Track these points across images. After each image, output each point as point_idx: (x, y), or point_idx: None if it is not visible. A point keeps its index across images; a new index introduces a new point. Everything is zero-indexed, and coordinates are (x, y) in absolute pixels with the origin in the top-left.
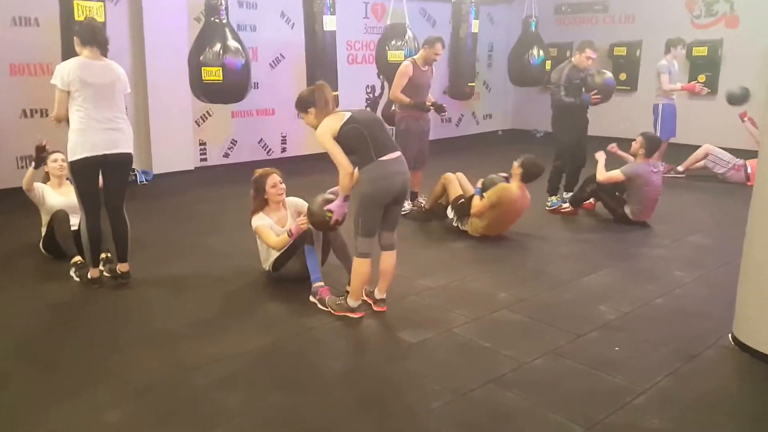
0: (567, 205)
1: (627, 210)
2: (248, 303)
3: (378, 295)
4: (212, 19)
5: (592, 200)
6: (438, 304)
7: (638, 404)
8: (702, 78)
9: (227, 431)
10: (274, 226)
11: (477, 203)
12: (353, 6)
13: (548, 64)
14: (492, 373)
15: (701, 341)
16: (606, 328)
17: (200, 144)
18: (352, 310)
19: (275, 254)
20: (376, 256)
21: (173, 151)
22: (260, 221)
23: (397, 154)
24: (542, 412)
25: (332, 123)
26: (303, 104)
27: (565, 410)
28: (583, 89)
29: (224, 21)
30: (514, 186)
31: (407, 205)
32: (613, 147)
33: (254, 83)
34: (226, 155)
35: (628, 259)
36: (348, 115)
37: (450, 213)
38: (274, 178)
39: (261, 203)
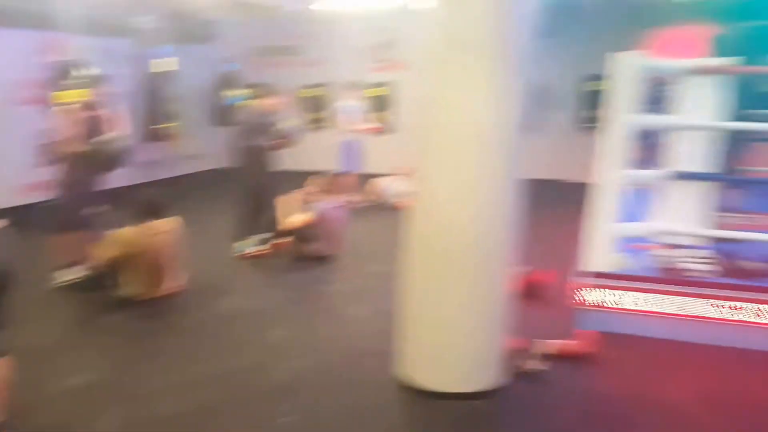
0: (258, 247)
1: (314, 247)
2: None
3: None
4: None
5: (283, 239)
6: (82, 412)
7: None
8: (380, 116)
9: None
10: None
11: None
12: (21, 41)
13: (245, 104)
14: None
15: (372, 383)
16: (280, 392)
17: None
18: None
19: None
20: None
21: None
22: None
23: None
24: None
25: None
26: None
27: None
28: (268, 133)
29: None
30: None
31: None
32: (303, 192)
33: None
34: None
35: (312, 301)
36: None
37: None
38: None
39: None
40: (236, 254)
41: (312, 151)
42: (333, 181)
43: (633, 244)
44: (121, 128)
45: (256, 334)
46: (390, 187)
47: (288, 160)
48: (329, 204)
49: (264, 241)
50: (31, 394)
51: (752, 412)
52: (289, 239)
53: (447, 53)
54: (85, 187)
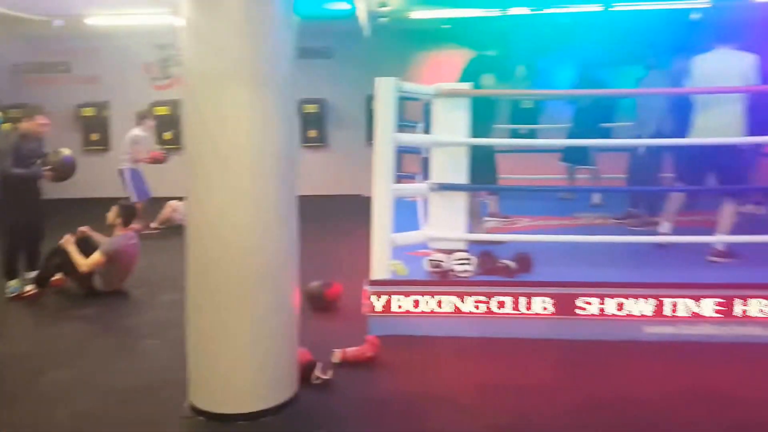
0: (31, 287)
1: (97, 281)
2: None
3: None
4: None
5: (60, 275)
6: None
7: None
8: (168, 135)
9: None
10: None
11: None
12: None
13: (6, 127)
14: None
15: (165, 414)
16: None
17: None
18: None
19: None
20: None
21: None
22: None
23: None
24: None
25: None
26: None
27: None
28: (38, 160)
29: None
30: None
31: None
32: (84, 229)
33: None
34: None
35: (102, 337)
36: None
37: None
38: None
39: None
40: (10, 295)
41: (91, 177)
42: (124, 212)
43: (411, 251)
44: None
45: (32, 379)
46: (180, 209)
47: (64, 187)
48: (122, 237)
49: (41, 279)
50: None
51: (520, 394)
52: (63, 275)
53: (203, 76)
54: None
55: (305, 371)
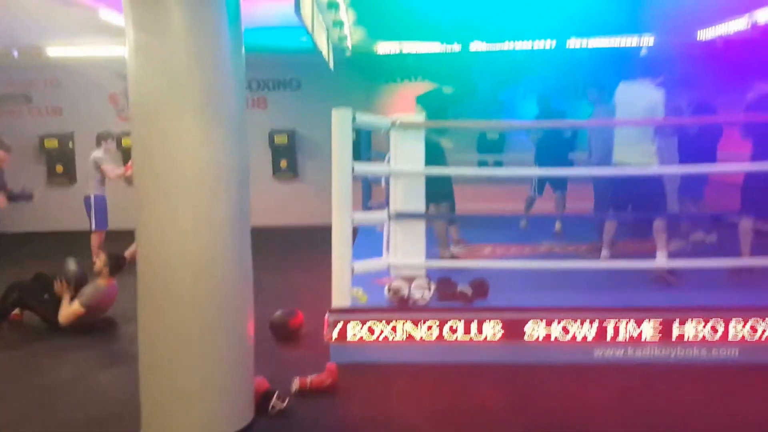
0: None
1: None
2: None
3: None
4: None
5: (18, 311)
6: None
7: None
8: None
9: None
10: None
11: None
12: None
13: None
14: None
15: None
16: None
17: None
18: None
19: None
20: None
21: None
22: None
23: None
24: None
25: None
26: None
27: None
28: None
29: None
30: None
31: None
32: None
33: None
34: None
35: (56, 371)
36: None
37: None
38: None
39: None
40: None
41: (56, 211)
42: (112, 261)
43: (378, 279)
44: None
45: None
46: None
47: (28, 221)
48: (105, 288)
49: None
50: None
51: (469, 417)
52: (24, 310)
53: (149, 106)
54: None
55: (262, 400)
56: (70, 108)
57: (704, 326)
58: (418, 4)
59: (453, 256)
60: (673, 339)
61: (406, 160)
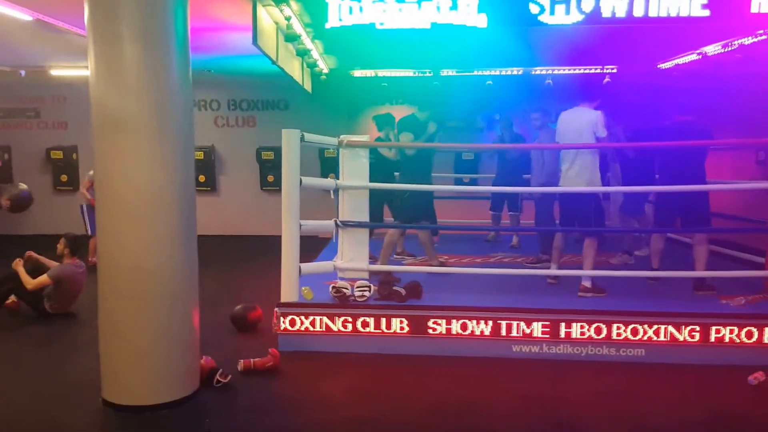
0: None
1: (47, 304)
2: None
3: None
4: None
5: (14, 298)
6: None
7: None
8: None
9: None
10: None
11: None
12: None
13: None
14: None
15: (81, 408)
16: None
17: None
18: None
19: None
20: None
21: None
22: None
23: None
24: None
25: None
26: None
27: None
28: None
29: None
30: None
31: None
32: (30, 253)
33: None
34: None
35: (39, 350)
36: None
37: None
38: None
39: None
40: None
41: (60, 215)
42: (71, 243)
43: (328, 281)
44: None
45: None
46: None
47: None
48: (69, 265)
49: None
50: None
51: (378, 396)
52: (16, 299)
53: (107, 128)
54: None
55: (209, 376)
56: (74, 122)
57: (589, 328)
58: (383, 36)
59: (441, 264)
60: (559, 337)
61: (352, 175)
